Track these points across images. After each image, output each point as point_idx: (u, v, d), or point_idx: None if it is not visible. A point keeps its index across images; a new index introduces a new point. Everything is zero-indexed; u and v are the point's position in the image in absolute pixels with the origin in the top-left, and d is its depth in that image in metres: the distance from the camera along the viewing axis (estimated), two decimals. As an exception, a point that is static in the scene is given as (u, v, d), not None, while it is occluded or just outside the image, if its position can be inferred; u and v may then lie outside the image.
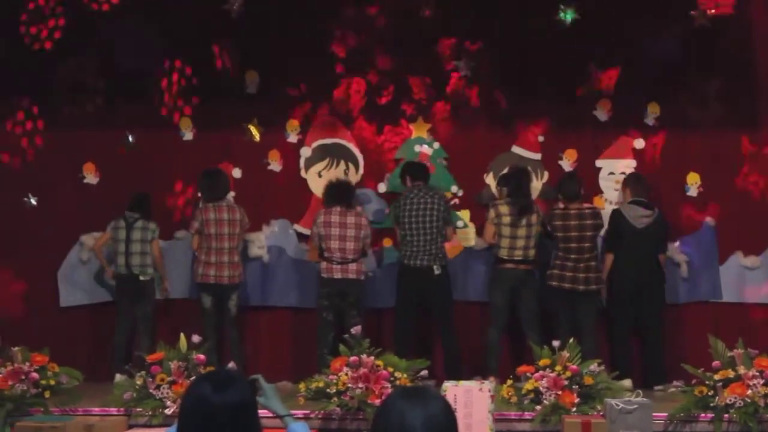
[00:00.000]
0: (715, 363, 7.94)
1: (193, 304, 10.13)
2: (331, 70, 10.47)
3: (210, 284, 9.74)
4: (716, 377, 7.86)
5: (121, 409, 8.11)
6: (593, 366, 8.07)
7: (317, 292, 9.72)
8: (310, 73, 10.44)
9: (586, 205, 9.82)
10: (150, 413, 7.99)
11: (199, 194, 10.14)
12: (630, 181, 9.93)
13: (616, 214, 9.80)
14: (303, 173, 10.51)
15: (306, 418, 7.70)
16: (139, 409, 8.04)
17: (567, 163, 10.44)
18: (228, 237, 9.74)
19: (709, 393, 7.85)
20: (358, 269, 9.65)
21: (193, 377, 7.76)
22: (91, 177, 10.46)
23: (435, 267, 9.64)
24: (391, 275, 10.19)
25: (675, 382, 8.66)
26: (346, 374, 7.95)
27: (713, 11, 9.95)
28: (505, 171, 10.09)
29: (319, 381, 8.07)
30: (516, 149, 10.51)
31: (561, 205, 9.76)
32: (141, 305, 9.95)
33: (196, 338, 8.20)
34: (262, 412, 3.58)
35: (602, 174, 10.46)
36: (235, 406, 3.38)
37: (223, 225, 9.73)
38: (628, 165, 10.41)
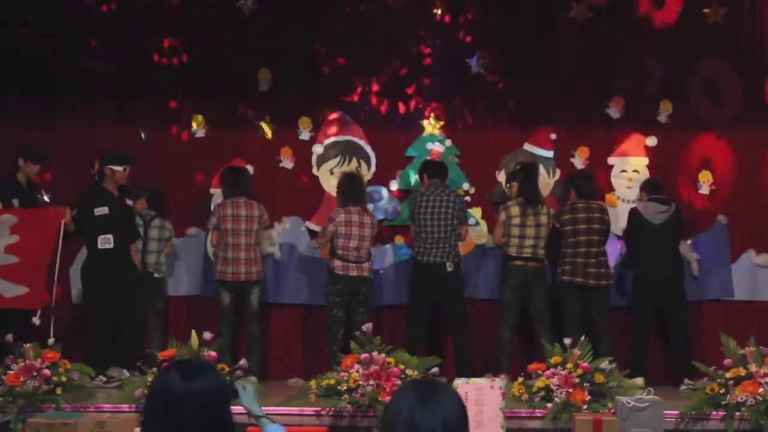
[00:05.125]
0: (727, 361, 7.93)
1: (206, 301, 10.16)
2: (342, 67, 10.46)
3: (228, 281, 9.76)
4: (728, 375, 7.84)
5: (133, 405, 8.12)
6: (604, 364, 8.06)
7: (326, 289, 9.73)
8: (322, 70, 10.44)
9: (594, 201, 9.80)
10: (161, 410, 7.99)
11: (221, 190, 10.13)
12: (646, 184, 9.95)
13: (633, 213, 9.81)
14: (315, 170, 10.51)
15: (317, 415, 7.74)
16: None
17: (579, 160, 10.43)
18: (245, 233, 9.74)
19: (721, 391, 7.83)
20: (369, 267, 9.71)
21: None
22: (103, 174, 10.46)
23: (448, 264, 9.65)
24: (400, 273, 10.22)
25: (686, 380, 8.64)
26: (357, 371, 7.95)
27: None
28: (516, 167, 10.07)
29: (330, 378, 8.07)
30: (528, 146, 10.49)
31: (569, 201, 9.76)
32: (153, 302, 9.97)
33: (207, 335, 8.19)
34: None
35: (614, 171, 10.44)
36: (203, 395, 3.20)
37: (240, 221, 9.73)
38: (641, 162, 10.41)
